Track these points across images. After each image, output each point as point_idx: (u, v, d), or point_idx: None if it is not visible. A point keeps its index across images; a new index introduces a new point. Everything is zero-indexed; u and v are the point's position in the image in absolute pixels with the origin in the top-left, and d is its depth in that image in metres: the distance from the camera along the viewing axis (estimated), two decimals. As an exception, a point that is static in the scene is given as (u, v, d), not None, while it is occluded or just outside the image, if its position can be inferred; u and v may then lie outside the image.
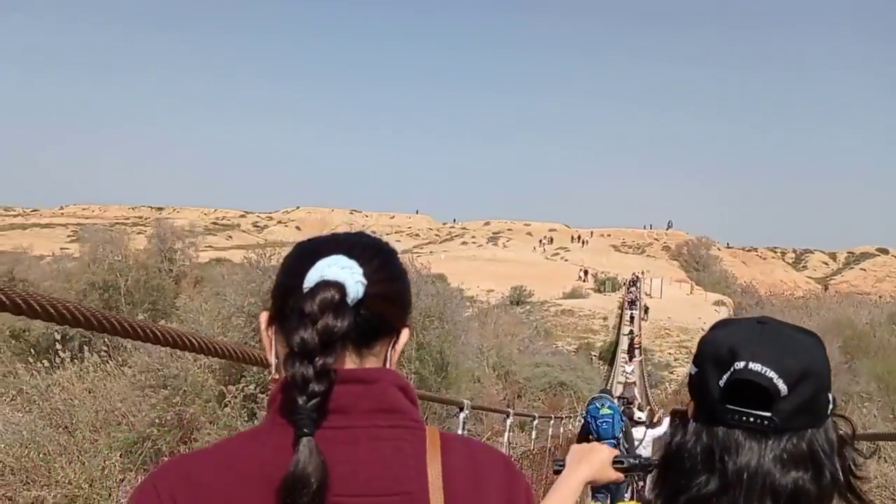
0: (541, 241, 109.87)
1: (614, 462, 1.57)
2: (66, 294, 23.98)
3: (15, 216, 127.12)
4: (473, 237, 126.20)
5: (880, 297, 57.82)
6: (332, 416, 0.90)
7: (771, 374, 1.03)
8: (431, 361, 15.98)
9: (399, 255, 1.05)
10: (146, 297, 25.67)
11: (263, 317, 1.01)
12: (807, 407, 1.05)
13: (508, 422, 6.67)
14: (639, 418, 9.81)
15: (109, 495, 8.91)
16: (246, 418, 11.13)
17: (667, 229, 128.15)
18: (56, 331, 13.42)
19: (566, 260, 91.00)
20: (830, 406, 1.09)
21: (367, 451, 0.91)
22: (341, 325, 0.89)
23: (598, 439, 6.93)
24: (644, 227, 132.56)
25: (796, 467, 1.04)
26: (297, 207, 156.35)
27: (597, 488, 7.24)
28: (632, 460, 1.57)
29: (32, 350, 12.54)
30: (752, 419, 1.04)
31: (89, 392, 10.43)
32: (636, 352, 40.39)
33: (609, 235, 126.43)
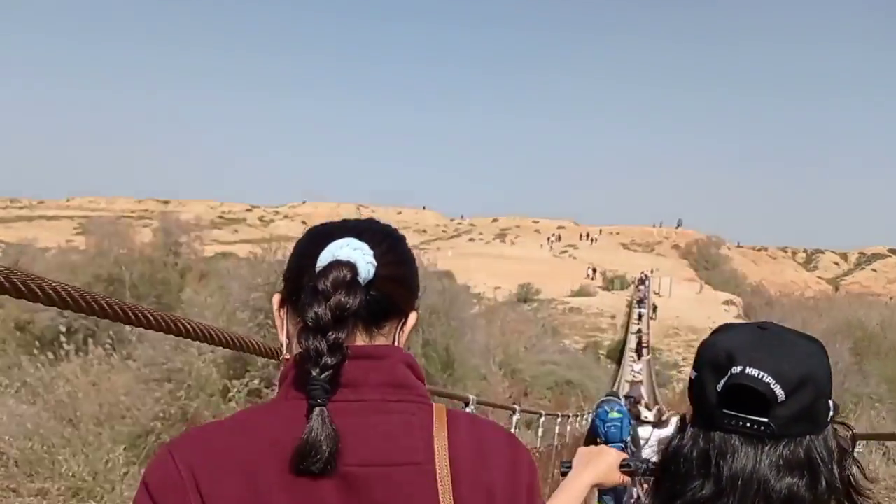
0: (549, 238, 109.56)
1: (621, 465, 1.55)
2: (72, 287, 24.01)
3: (21, 208, 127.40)
4: (481, 234, 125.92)
5: (892, 298, 57.29)
6: (344, 389, 0.94)
7: (768, 379, 1.02)
8: (437, 358, 15.95)
9: (406, 241, 1.09)
10: (151, 290, 25.77)
11: (276, 298, 1.05)
12: (805, 413, 1.04)
13: (514, 419, 6.63)
14: (645, 418, 9.71)
15: (113, 488, 8.90)
16: (250, 413, 11.12)
17: (676, 228, 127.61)
18: (61, 323, 13.45)
19: (574, 258, 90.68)
20: (831, 413, 1.08)
21: (377, 423, 0.95)
22: (353, 302, 0.92)
23: (606, 443, 6.86)
24: (653, 226, 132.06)
25: (792, 474, 1.03)
26: (304, 202, 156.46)
27: (603, 491, 7.17)
28: (639, 464, 1.55)
29: (37, 342, 12.53)
30: (749, 424, 1.04)
31: (93, 385, 10.43)
32: (644, 351, 40.29)
33: (618, 233, 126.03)
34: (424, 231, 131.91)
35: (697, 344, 1.17)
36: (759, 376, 1.02)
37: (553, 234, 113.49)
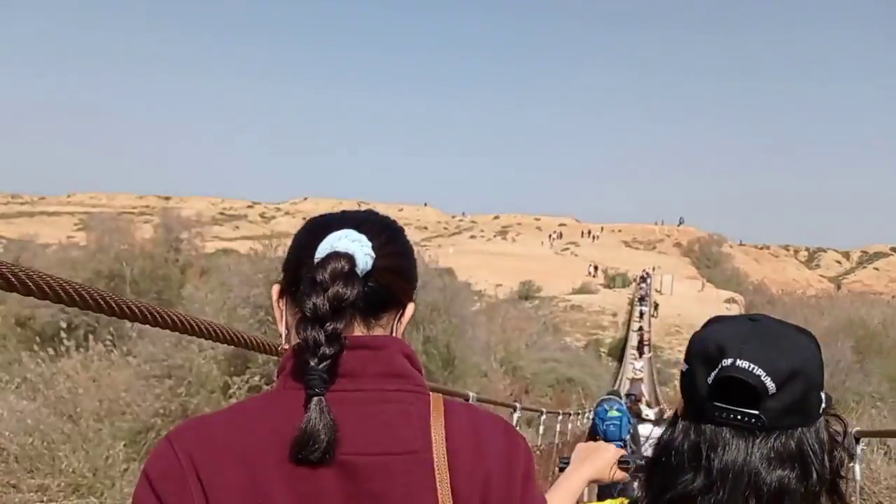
0: (550, 235, 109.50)
1: (620, 462, 1.55)
2: (72, 282, 24.00)
3: (22, 204, 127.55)
4: (482, 231, 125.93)
5: (894, 296, 57.28)
6: (342, 379, 0.95)
7: (759, 371, 1.01)
8: (438, 355, 15.94)
9: (405, 232, 1.09)
10: (152, 286, 25.78)
11: (275, 289, 1.05)
12: (797, 406, 1.03)
13: (515, 416, 6.64)
14: (646, 416, 9.69)
15: (113, 484, 8.90)
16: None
17: (678, 225, 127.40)
18: (61, 319, 13.46)
19: (576, 255, 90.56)
20: (823, 405, 1.07)
21: (376, 413, 0.96)
22: (351, 293, 0.93)
23: (606, 441, 6.85)
24: (655, 223, 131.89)
25: (783, 466, 1.02)
26: (305, 198, 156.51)
27: (603, 488, 7.16)
28: (638, 461, 1.55)
29: (37, 338, 12.53)
30: (739, 417, 1.03)
31: (94, 381, 10.43)
32: (646, 349, 40.26)
33: (620, 231, 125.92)
34: (426, 228, 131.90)
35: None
36: (750, 368, 1.02)
37: (554, 232, 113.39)
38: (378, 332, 1.01)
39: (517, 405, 7.05)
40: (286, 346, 1.02)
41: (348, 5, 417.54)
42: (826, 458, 1.05)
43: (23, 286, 1.14)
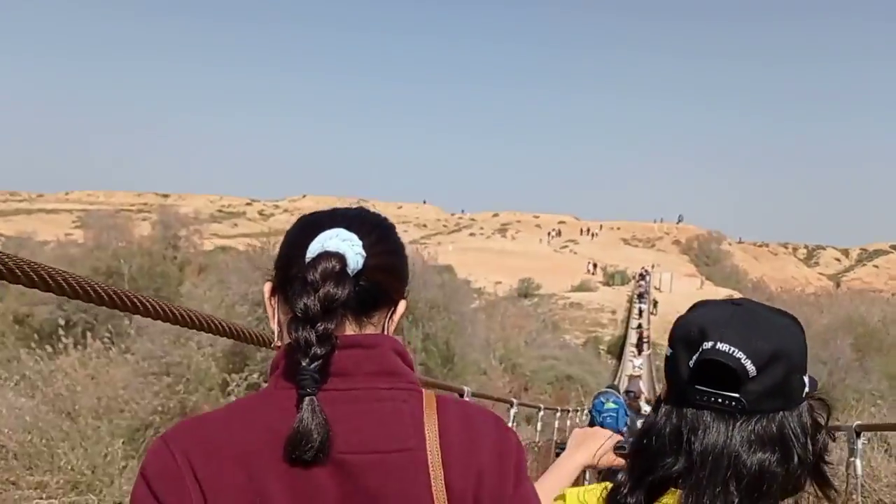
0: (549, 233, 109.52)
1: (616, 448, 1.53)
2: (70, 280, 24.01)
3: (20, 201, 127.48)
4: (482, 228, 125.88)
5: (893, 294, 57.29)
6: (335, 378, 0.95)
7: (739, 354, 1.01)
8: (437, 352, 15.93)
9: (396, 230, 1.09)
10: (150, 283, 25.78)
11: (267, 287, 1.06)
12: (778, 389, 1.03)
13: (512, 412, 6.64)
14: (645, 412, 9.70)
15: (112, 482, 8.90)
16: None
17: (677, 223, 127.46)
18: (59, 316, 13.45)
19: (575, 253, 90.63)
20: (806, 389, 1.07)
21: (369, 411, 0.96)
22: (342, 293, 0.93)
23: None
24: (654, 221, 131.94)
25: (763, 449, 1.03)
26: (304, 196, 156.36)
27: (608, 475, 7.17)
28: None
29: (36, 335, 12.53)
30: (720, 400, 1.03)
31: (92, 378, 10.42)
32: (645, 346, 40.29)
33: (619, 228, 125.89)
34: (425, 225, 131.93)
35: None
36: (730, 351, 1.02)
37: (553, 229, 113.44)
38: (370, 330, 1.02)
39: (514, 401, 7.06)
40: (278, 344, 1.03)
41: (344, 5, 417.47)
42: (809, 441, 1.05)
43: (26, 277, 1.15)
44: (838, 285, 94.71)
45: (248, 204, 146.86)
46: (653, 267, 70.18)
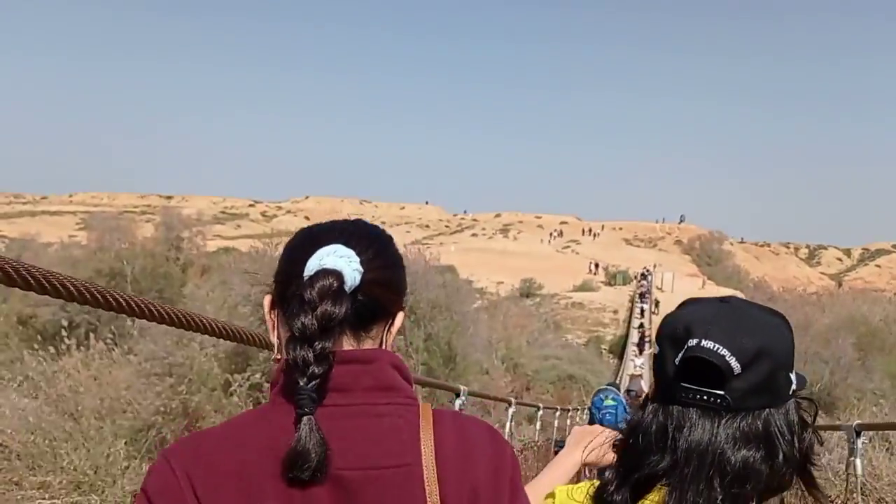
0: (551, 233, 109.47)
1: (615, 445, 1.53)
2: (73, 281, 24.03)
3: (24, 203, 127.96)
4: (484, 229, 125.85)
5: (895, 293, 57.16)
6: (333, 394, 0.97)
7: (724, 351, 1.02)
8: (439, 352, 15.92)
9: (395, 242, 1.11)
10: (153, 284, 25.78)
11: (267, 300, 1.08)
12: (763, 386, 1.04)
13: (510, 412, 6.63)
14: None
15: (114, 482, 8.91)
16: (252, 407, 11.10)
17: (679, 223, 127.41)
18: (62, 317, 13.46)
19: (577, 253, 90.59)
20: (793, 387, 1.07)
21: (367, 427, 0.97)
22: (339, 311, 0.95)
23: None
24: (656, 221, 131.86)
25: (748, 446, 1.03)
26: (307, 197, 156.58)
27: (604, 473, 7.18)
28: None
29: (39, 336, 12.55)
30: (705, 397, 1.03)
31: (94, 379, 10.43)
32: (646, 345, 40.24)
33: (621, 229, 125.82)
34: (427, 226, 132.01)
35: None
36: (715, 348, 1.02)
37: (555, 230, 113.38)
38: (368, 344, 1.03)
39: (511, 399, 7.06)
40: (279, 357, 1.04)
41: (348, 6, 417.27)
42: (795, 439, 1.06)
43: (24, 282, 1.16)
44: (840, 285, 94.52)
45: (251, 205, 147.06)
46: (654, 267, 70.08)
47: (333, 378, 0.96)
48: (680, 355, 1.06)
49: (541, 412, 9.71)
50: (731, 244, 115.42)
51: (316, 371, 0.93)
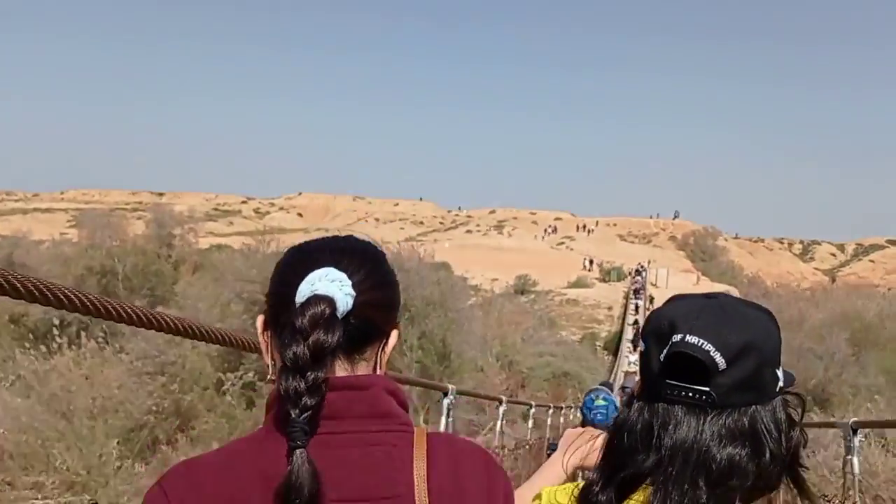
0: (545, 230, 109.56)
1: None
2: (64, 279, 24.08)
3: (16, 201, 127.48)
4: (478, 225, 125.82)
5: (889, 289, 57.37)
6: (326, 421, 0.95)
7: (708, 347, 1.00)
8: (433, 350, 15.92)
9: (387, 258, 1.10)
10: (144, 282, 25.75)
11: (259, 320, 1.06)
12: (748, 382, 1.02)
13: (501, 410, 6.61)
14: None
15: (107, 482, 8.88)
16: (244, 406, 11.07)
17: (673, 219, 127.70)
18: (54, 316, 13.38)
19: (571, 249, 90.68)
20: (780, 383, 1.06)
21: (359, 456, 0.97)
22: (331, 339, 0.94)
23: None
24: (650, 217, 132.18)
25: (734, 444, 1.01)
26: (300, 193, 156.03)
27: None
28: None
29: (31, 335, 12.48)
30: (690, 394, 1.02)
31: (86, 378, 10.39)
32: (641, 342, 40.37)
33: (615, 225, 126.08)
34: (421, 222, 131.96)
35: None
36: (699, 344, 1.01)
37: (550, 226, 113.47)
38: (362, 366, 1.02)
39: (502, 398, 7.04)
40: (274, 377, 1.03)
41: (341, 1, 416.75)
42: (782, 437, 1.04)
43: (15, 292, 1.17)
44: (834, 280, 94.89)
45: (243, 202, 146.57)
46: (649, 263, 70.15)
47: (326, 405, 0.95)
48: (665, 351, 1.04)
49: (533, 410, 9.67)
50: (726, 240, 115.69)
51: (308, 403, 0.92)
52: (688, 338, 1.02)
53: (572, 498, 1.17)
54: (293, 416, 0.92)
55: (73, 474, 8.81)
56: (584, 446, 1.52)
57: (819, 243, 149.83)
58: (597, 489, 1.11)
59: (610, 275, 67.39)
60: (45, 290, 1.20)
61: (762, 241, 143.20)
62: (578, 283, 60.52)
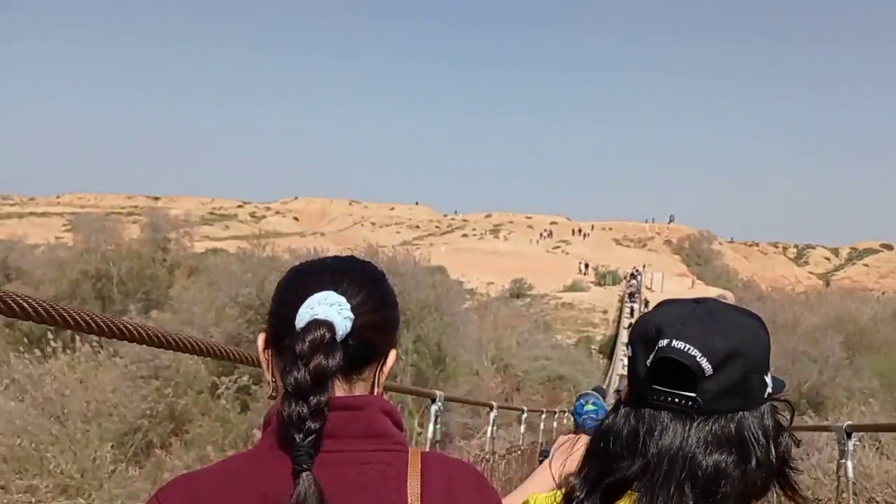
0: (541, 234, 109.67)
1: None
2: (59, 283, 24.01)
3: (12, 205, 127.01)
4: (474, 229, 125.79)
5: (884, 292, 57.62)
6: (323, 440, 0.96)
7: (694, 352, 1.00)
8: (429, 353, 15.90)
9: (386, 278, 1.11)
10: (139, 286, 25.68)
11: (261, 338, 1.08)
12: (735, 388, 1.02)
13: (492, 416, 6.61)
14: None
15: (101, 486, 8.85)
16: (239, 410, 11.05)
17: (668, 223, 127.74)
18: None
19: (567, 253, 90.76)
20: (769, 389, 1.05)
21: (355, 474, 0.98)
22: (332, 364, 0.95)
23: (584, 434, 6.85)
24: (646, 221, 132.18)
25: (720, 450, 1.01)
26: (296, 198, 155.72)
27: None
28: None
29: (25, 339, 12.44)
30: (676, 400, 1.02)
31: (80, 382, 10.36)
32: (636, 345, 40.34)
33: (610, 229, 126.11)
34: (417, 226, 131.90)
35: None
36: (686, 349, 1.00)
37: (545, 230, 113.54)
38: (360, 386, 1.03)
39: (493, 404, 7.03)
40: (274, 395, 1.05)
41: (336, 6, 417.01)
42: (770, 444, 1.03)
43: (9, 310, 1.16)
44: (828, 284, 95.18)
45: (239, 206, 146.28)
46: (644, 267, 70.26)
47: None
48: (651, 357, 1.03)
49: (525, 415, 9.67)
50: (721, 244, 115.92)
51: (312, 427, 0.93)
52: (674, 343, 1.01)
53: None
54: (298, 439, 0.93)
55: (67, 478, 8.78)
56: (574, 454, 1.49)
57: (813, 247, 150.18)
58: (581, 495, 1.10)
59: (605, 279, 67.46)
60: (27, 306, 1.18)
61: (757, 245, 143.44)
62: (574, 287, 60.56)
